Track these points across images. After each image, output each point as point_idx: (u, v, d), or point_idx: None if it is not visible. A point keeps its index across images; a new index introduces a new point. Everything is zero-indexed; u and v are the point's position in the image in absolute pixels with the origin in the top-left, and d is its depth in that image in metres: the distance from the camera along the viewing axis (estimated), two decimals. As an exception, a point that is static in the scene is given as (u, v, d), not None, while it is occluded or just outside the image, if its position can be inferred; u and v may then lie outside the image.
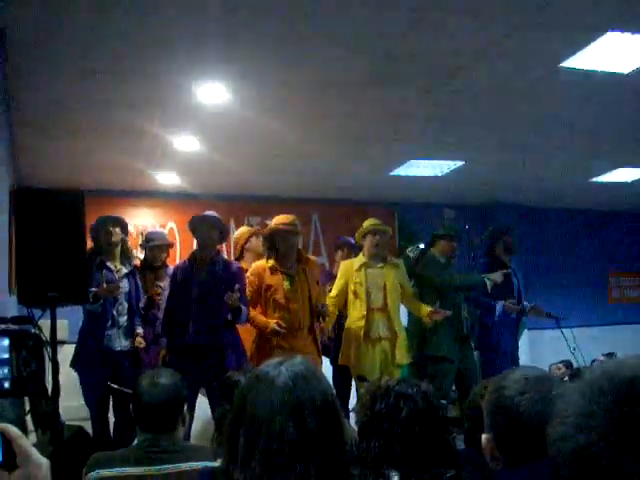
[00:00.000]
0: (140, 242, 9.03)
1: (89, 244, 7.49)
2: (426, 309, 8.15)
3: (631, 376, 1.12)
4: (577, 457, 1.10)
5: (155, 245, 8.47)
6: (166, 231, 10.84)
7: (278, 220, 7.62)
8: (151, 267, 8.36)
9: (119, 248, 7.70)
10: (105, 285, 7.20)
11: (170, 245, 8.84)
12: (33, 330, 5.67)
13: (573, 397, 1.16)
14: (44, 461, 1.70)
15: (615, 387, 1.11)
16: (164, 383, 3.78)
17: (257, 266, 7.67)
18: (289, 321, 7.38)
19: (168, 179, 11.14)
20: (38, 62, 6.57)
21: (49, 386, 5.43)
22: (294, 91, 7.57)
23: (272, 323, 7.27)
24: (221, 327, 7.28)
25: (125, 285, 7.61)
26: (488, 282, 9.06)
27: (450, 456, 3.21)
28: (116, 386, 7.05)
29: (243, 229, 8.92)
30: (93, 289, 7.05)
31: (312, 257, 8.63)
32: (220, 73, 7.00)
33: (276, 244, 7.51)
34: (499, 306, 9.41)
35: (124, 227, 7.84)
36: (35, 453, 1.69)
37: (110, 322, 7.42)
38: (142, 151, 9.49)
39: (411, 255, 9.28)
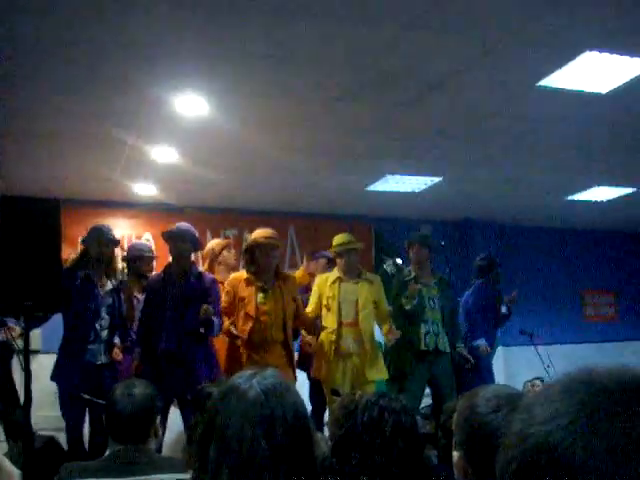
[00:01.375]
0: (122, 255, 9.03)
1: (75, 253, 7.49)
2: (385, 328, 8.16)
3: (603, 377, 1.12)
4: (538, 451, 1.07)
5: (145, 256, 8.54)
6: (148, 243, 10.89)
7: (258, 234, 7.66)
8: (139, 275, 8.36)
9: (105, 262, 7.65)
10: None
11: (152, 258, 8.85)
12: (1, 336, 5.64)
13: (536, 403, 1.15)
14: (16, 471, 1.70)
15: (584, 386, 1.11)
16: (138, 393, 3.77)
17: (234, 277, 7.77)
18: (259, 333, 7.41)
19: (145, 190, 11.10)
20: (18, 72, 6.55)
21: (21, 395, 5.40)
22: (273, 105, 7.58)
23: (227, 325, 7.46)
24: (194, 339, 7.30)
25: (108, 300, 7.57)
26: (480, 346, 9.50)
27: (423, 472, 3.22)
28: (88, 396, 7.01)
29: (215, 242, 8.94)
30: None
31: (292, 273, 8.65)
32: (199, 85, 6.99)
33: (256, 257, 7.53)
34: (480, 342, 9.56)
35: (116, 244, 7.82)
36: (7, 463, 1.68)
37: (92, 337, 7.38)
38: (120, 161, 9.46)
39: (388, 270, 9.29)
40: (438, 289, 8.62)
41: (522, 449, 1.11)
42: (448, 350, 8.52)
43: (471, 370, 8.95)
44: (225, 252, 8.52)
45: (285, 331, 7.56)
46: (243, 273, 7.75)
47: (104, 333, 7.46)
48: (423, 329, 8.41)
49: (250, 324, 7.39)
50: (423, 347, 8.39)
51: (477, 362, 9.22)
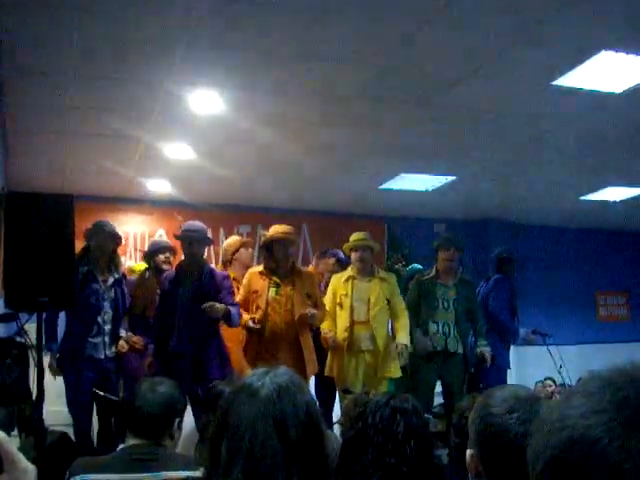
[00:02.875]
0: (143, 253, 9.05)
1: (80, 246, 7.52)
2: (399, 337, 8.13)
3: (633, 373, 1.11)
4: (575, 444, 1.07)
5: (162, 247, 8.54)
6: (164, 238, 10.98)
7: (275, 229, 7.72)
8: (157, 270, 8.33)
9: (108, 257, 7.67)
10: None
11: (171, 249, 8.77)
12: (18, 338, 5.67)
13: (576, 393, 1.15)
14: (31, 467, 1.69)
15: (627, 383, 1.09)
16: (161, 392, 3.81)
17: (250, 271, 7.88)
18: (269, 328, 7.43)
19: (159, 186, 11.12)
20: (31, 66, 6.56)
21: (34, 391, 5.42)
22: (287, 102, 7.58)
23: (247, 319, 7.43)
24: (206, 337, 7.31)
25: (111, 294, 7.59)
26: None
27: (435, 472, 3.22)
28: (102, 393, 7.03)
29: (233, 239, 8.95)
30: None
31: (307, 269, 8.63)
32: (214, 82, 7.01)
33: (273, 253, 7.57)
34: (523, 332, 9.49)
35: (118, 242, 7.84)
36: (22, 458, 1.68)
37: (96, 330, 7.40)
38: (133, 158, 9.49)
39: (402, 273, 9.29)
40: (456, 290, 8.58)
41: (558, 439, 1.10)
42: (460, 351, 8.48)
43: (488, 371, 8.98)
44: (242, 250, 8.54)
45: (295, 328, 7.54)
46: (259, 267, 7.81)
47: (107, 327, 7.49)
48: (432, 329, 8.39)
49: (260, 317, 7.42)
50: (430, 348, 8.37)
51: (495, 359, 9.24)
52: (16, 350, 5.50)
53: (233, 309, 7.24)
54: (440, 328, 8.42)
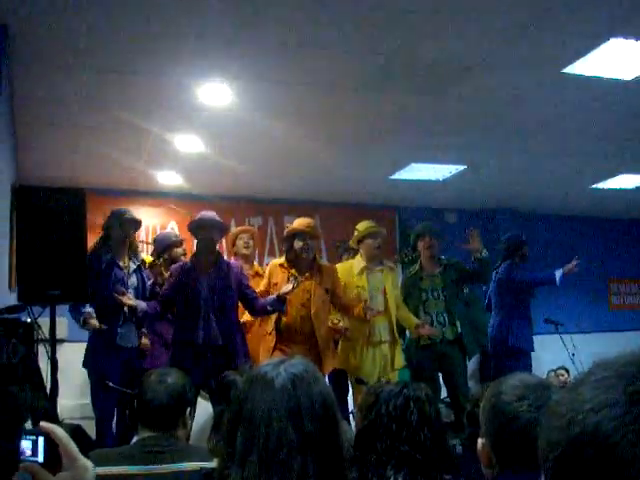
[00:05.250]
0: (152, 250, 9.02)
1: (98, 236, 7.53)
2: (414, 322, 8.15)
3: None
4: (585, 441, 1.04)
5: (173, 241, 8.54)
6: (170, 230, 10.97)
7: (299, 222, 7.69)
8: (173, 263, 8.29)
9: (127, 244, 7.68)
10: (91, 320, 7.16)
11: (180, 242, 8.72)
12: (24, 318, 5.67)
13: (586, 385, 1.11)
14: (90, 465, 1.71)
15: (632, 373, 1.06)
16: (170, 383, 3.79)
17: (272, 263, 7.91)
18: (284, 321, 7.45)
19: (170, 179, 11.12)
20: (41, 59, 6.57)
21: (48, 384, 5.43)
22: (297, 93, 7.58)
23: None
24: (232, 328, 7.28)
25: (134, 281, 7.60)
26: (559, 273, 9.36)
27: (449, 460, 3.21)
28: (111, 384, 7.01)
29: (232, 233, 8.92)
30: (87, 311, 7.07)
31: (329, 264, 8.55)
32: (223, 74, 7.01)
33: (294, 245, 7.54)
34: (559, 274, 9.40)
35: (138, 227, 7.88)
36: (81, 456, 1.69)
37: (122, 319, 7.39)
38: (144, 150, 9.48)
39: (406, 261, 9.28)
40: (442, 278, 8.57)
41: (568, 435, 1.08)
42: (454, 336, 8.47)
43: (513, 355, 8.99)
44: (237, 241, 8.54)
45: (312, 322, 7.53)
46: (280, 259, 7.83)
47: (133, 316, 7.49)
48: (427, 322, 8.34)
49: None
50: (427, 341, 8.36)
51: (520, 347, 9.23)
52: (22, 329, 5.52)
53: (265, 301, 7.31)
54: (435, 319, 8.41)
